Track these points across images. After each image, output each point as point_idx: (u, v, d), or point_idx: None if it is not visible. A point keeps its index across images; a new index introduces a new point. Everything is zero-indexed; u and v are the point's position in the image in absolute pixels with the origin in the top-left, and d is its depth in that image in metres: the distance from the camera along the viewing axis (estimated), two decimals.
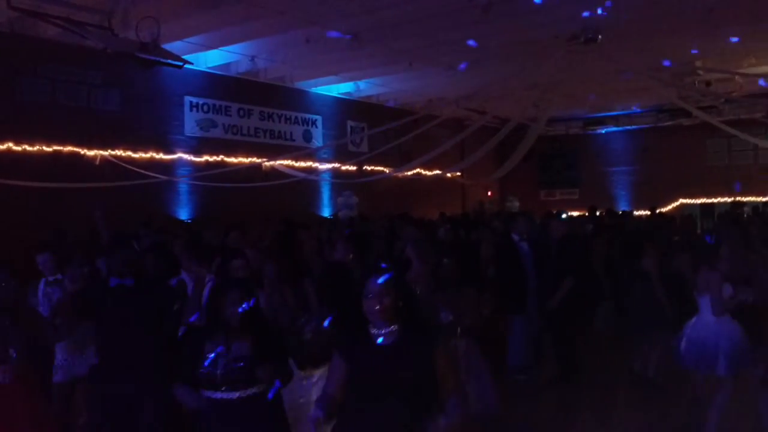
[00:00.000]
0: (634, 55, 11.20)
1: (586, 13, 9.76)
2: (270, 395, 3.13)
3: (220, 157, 13.13)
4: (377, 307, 2.64)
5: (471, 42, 11.02)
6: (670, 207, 19.02)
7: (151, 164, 11.79)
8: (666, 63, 11.88)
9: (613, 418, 5.86)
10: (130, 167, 11.23)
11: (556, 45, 10.88)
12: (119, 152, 11.45)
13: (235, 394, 3.14)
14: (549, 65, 11.09)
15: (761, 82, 12.16)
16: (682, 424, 5.51)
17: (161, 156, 12.22)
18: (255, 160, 13.26)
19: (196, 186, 12.61)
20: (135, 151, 11.70)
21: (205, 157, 12.94)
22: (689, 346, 5.04)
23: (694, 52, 12.06)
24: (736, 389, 4.90)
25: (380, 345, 2.67)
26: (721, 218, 13.47)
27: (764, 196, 17.75)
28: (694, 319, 5.12)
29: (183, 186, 12.66)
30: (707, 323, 4.92)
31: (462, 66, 11.96)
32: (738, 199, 18.05)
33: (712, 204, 18.72)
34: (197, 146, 12.93)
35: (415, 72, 14.12)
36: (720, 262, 4.90)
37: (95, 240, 7.63)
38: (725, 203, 18.45)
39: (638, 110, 19.35)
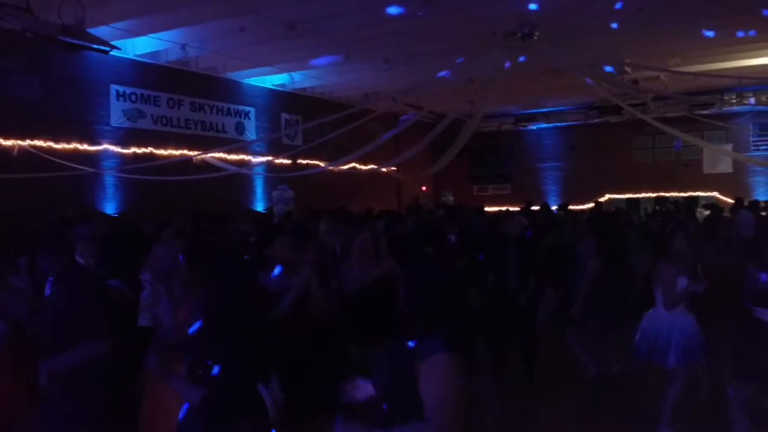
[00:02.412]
0: (568, 52, 11.34)
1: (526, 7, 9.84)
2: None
3: (149, 149, 12.60)
4: None
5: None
6: (595, 203, 19.53)
7: (75, 155, 11.19)
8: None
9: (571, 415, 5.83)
10: (51, 158, 10.61)
11: (494, 41, 10.94)
12: (39, 142, 10.80)
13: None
14: (486, 61, 11.13)
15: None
16: (636, 417, 5.56)
17: (85, 147, 11.61)
18: (186, 152, 12.82)
19: (124, 179, 12.07)
20: (57, 141, 11.08)
21: (133, 149, 12.39)
22: (643, 338, 5.09)
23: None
24: (688, 381, 4.97)
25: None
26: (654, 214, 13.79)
27: (686, 191, 18.50)
28: (650, 312, 5.17)
29: (109, 179, 12.09)
30: (662, 316, 4.97)
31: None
32: (662, 194, 18.77)
33: (638, 199, 19.35)
34: (124, 137, 12.36)
35: (351, 65, 13.96)
36: (675, 255, 4.96)
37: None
38: (650, 198, 19.15)
39: (568, 107, 19.82)
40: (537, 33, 10.41)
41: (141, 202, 11.99)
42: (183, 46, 12.01)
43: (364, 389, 2.43)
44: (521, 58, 11.32)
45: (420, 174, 18.91)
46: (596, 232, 6.66)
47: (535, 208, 14.36)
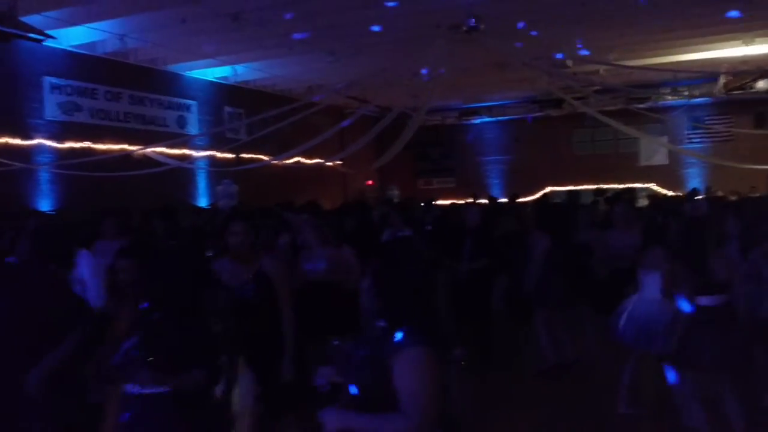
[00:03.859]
0: (513, 45, 11.48)
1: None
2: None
3: (86, 144, 12.16)
4: None
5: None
6: (539, 194, 19.90)
7: (6, 150, 10.67)
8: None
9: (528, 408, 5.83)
10: None
11: (438, 34, 10.96)
12: None
13: (136, 390, 2.76)
14: (431, 55, 11.15)
15: None
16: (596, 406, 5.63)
17: (18, 141, 11.10)
18: (125, 147, 12.42)
19: (59, 174, 11.62)
20: None
21: (69, 144, 11.93)
22: (629, 323, 5.00)
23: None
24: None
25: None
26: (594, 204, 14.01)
27: (624, 183, 19.00)
28: (635, 297, 5.09)
29: (44, 175, 11.60)
30: (650, 301, 4.92)
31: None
32: (601, 186, 19.19)
33: (578, 191, 19.76)
34: (59, 132, 11.88)
35: (295, 57, 13.79)
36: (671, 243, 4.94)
37: None
38: (590, 190, 19.57)
39: (511, 101, 20.11)
40: (482, 26, 10.51)
41: (78, 199, 11.54)
42: (121, 37, 11.62)
43: (324, 375, 2.39)
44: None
45: (365, 168, 18.89)
46: (545, 217, 6.78)
47: (480, 201, 14.49)
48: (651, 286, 4.97)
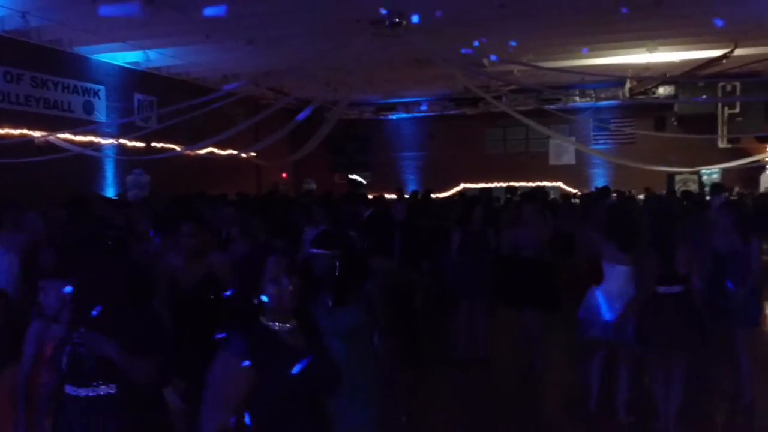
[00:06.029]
0: (434, 42, 11.57)
1: None
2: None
3: None
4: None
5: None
6: (453, 191, 20.27)
7: None
8: (464, 51, 12.47)
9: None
10: None
11: (360, 28, 10.92)
12: None
13: (81, 392, 2.54)
14: (352, 49, 11.09)
15: None
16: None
17: None
18: (26, 132, 11.71)
19: None
20: None
21: None
22: (594, 316, 5.02)
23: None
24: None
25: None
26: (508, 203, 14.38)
27: (534, 181, 19.61)
28: (597, 289, 5.08)
29: None
30: (615, 292, 4.92)
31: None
32: (512, 184, 19.75)
33: (491, 188, 20.27)
34: None
35: (212, 45, 13.39)
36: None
37: None
38: (501, 188, 20.10)
39: (427, 98, 20.34)
40: (405, 23, 10.54)
41: None
42: (23, 14, 10.91)
43: None
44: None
45: (280, 161, 18.65)
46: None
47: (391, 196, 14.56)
48: (616, 278, 4.98)
